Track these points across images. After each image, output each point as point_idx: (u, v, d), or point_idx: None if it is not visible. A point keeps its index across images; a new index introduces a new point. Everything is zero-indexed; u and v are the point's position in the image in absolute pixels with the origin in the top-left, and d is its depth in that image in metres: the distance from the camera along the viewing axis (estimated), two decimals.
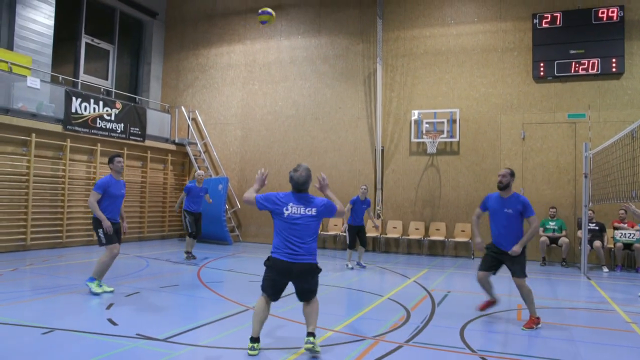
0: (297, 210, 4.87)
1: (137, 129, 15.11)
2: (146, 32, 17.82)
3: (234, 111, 16.87)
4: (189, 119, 16.91)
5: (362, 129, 15.21)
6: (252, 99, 16.66)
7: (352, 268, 11.11)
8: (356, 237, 11.37)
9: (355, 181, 14.99)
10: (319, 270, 5.02)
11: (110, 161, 7.68)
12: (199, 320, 6.19)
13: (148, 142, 15.53)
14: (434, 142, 14.02)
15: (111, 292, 7.54)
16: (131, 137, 14.85)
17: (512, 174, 6.62)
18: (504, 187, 6.56)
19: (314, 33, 16.03)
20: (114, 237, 7.42)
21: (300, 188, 4.97)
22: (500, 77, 13.99)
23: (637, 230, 11.74)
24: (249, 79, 16.76)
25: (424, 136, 14.18)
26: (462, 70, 14.34)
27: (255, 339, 4.85)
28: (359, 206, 11.21)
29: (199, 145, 16.73)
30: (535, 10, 13.73)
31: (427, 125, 14.22)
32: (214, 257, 12.32)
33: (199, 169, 16.36)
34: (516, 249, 6.34)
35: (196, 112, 17.13)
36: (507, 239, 6.44)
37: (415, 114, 14.38)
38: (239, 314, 6.60)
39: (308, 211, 4.87)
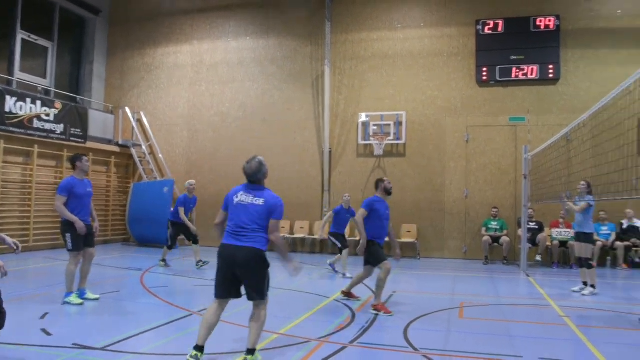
0: (246, 198, 4.76)
1: (78, 130, 14.59)
2: (88, 29, 17.23)
3: (181, 112, 16.55)
4: (133, 120, 16.46)
5: (310, 131, 15.24)
6: (199, 100, 16.39)
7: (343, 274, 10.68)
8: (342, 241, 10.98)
9: (302, 183, 15.00)
10: (265, 260, 4.70)
11: (77, 160, 7.25)
12: (140, 327, 5.99)
13: (90, 144, 15.02)
14: (380, 145, 14.21)
15: (96, 299, 7.32)
16: (72, 139, 14.31)
17: None
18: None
19: (262, 34, 15.94)
20: (81, 244, 7.10)
21: (251, 179, 4.83)
22: (445, 80, 14.33)
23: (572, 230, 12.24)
24: (196, 79, 16.49)
25: (371, 138, 14.36)
26: (408, 74, 14.60)
27: (199, 347, 4.59)
28: (344, 215, 10.81)
29: (144, 147, 16.30)
30: (478, 17, 14.14)
31: (375, 128, 14.40)
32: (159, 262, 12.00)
33: (145, 172, 15.98)
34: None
35: (141, 113, 16.69)
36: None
37: (362, 117, 14.54)
38: (183, 319, 6.46)
39: (256, 200, 4.73)
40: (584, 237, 8.95)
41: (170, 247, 11.37)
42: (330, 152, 14.86)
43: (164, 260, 11.32)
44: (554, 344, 5.80)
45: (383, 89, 14.73)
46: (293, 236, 14.84)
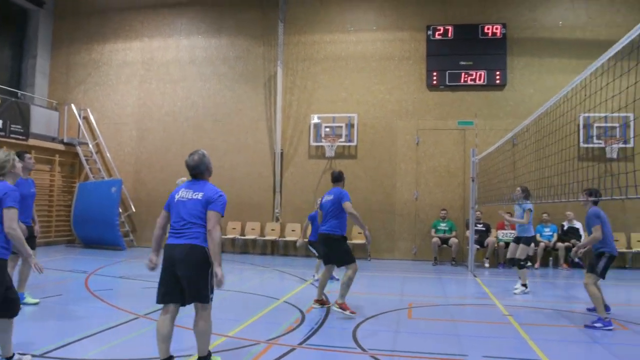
0: (186, 195, 4.51)
1: (19, 127, 13.99)
2: (31, 22, 16.54)
3: (130, 110, 16.12)
4: (80, 117, 15.92)
5: (262, 131, 15.15)
6: (150, 99, 16.02)
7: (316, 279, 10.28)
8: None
9: (254, 184, 14.90)
10: (206, 258, 4.31)
11: (20, 157, 6.82)
12: (83, 332, 5.78)
13: (32, 141, 14.42)
14: (332, 146, 14.29)
15: (35, 304, 7.05)
16: (11, 135, 13.70)
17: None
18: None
19: (214, 33, 15.74)
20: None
21: (192, 173, 4.63)
22: (396, 84, 14.55)
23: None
24: (146, 77, 16.11)
25: (323, 140, 14.41)
26: (360, 76, 14.75)
27: None
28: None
29: (90, 145, 15.79)
30: (429, 22, 14.43)
31: (327, 130, 14.46)
32: (106, 264, 11.66)
33: (91, 171, 15.51)
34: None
35: (88, 110, 16.15)
36: None
37: (314, 118, 14.57)
38: (129, 322, 6.30)
39: (195, 195, 4.46)
40: (525, 240, 9.34)
41: None
42: (282, 153, 14.82)
43: None
44: (498, 343, 5.98)
45: (335, 91, 14.82)
46: (244, 237, 14.71)
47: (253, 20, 15.49)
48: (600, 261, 7.05)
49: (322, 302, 7.46)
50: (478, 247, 12.76)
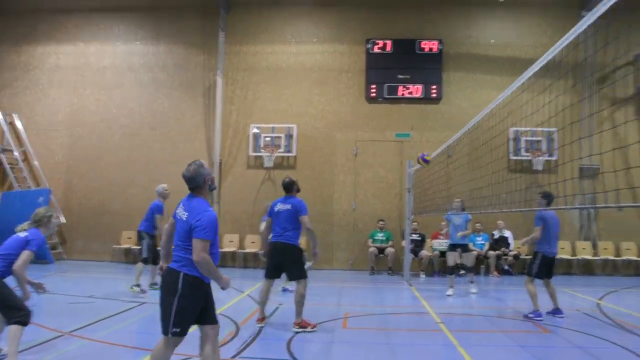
0: (180, 212, 4.13)
1: None
2: None
3: (62, 117, 15.44)
4: (5, 123, 15.09)
5: (201, 141, 14.92)
6: (83, 105, 15.42)
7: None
8: None
9: None
10: (175, 286, 3.89)
11: None
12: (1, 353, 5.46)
13: None
14: (271, 156, 14.26)
15: None
16: None
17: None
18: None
19: (152, 40, 15.39)
20: None
21: (189, 186, 4.15)
22: (335, 96, 14.72)
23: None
24: (80, 83, 15.49)
25: (262, 150, 14.35)
26: (300, 88, 14.83)
27: None
28: None
29: (16, 152, 14.99)
30: (368, 36, 14.71)
31: (267, 139, 14.41)
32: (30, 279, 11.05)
33: (17, 180, 14.75)
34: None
35: (14, 115, 15.33)
36: None
37: (254, 128, 14.49)
38: (53, 341, 5.99)
39: (183, 215, 4.07)
40: (465, 248, 10.21)
41: (154, 262, 9.47)
42: (220, 162, 14.64)
43: (155, 284, 9.50)
44: (428, 350, 6.11)
45: (275, 101, 14.82)
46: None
47: (193, 28, 15.27)
48: (534, 262, 7.92)
49: (264, 319, 7.14)
50: (414, 256, 13.03)
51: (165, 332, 3.91)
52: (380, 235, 13.73)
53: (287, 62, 14.98)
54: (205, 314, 4.06)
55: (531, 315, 7.77)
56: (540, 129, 13.28)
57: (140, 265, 9.55)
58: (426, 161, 10.35)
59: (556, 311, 8.02)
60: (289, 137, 14.40)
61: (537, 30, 14.53)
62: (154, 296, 8.80)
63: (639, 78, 14.21)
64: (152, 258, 9.56)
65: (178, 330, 3.90)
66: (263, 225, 8.41)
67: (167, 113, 15.10)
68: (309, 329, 6.69)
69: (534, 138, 13.86)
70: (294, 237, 6.94)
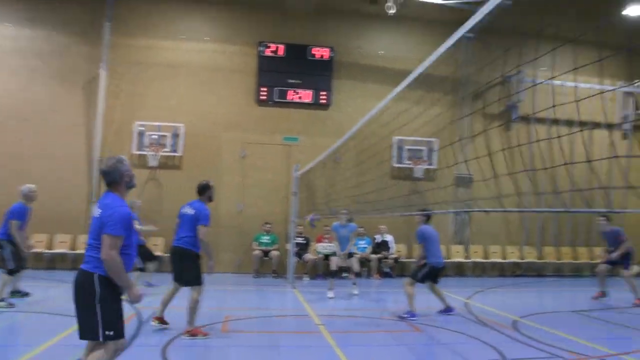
0: (96, 212, 3.85)
1: None
2: None
3: None
4: None
5: (79, 136, 13.97)
6: None
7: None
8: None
9: (67, 193, 13.57)
10: (92, 289, 3.64)
11: None
12: None
13: None
14: (155, 155, 13.72)
15: None
16: None
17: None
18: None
19: (28, 23, 14.14)
20: None
21: (106, 182, 3.94)
22: (225, 96, 14.51)
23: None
24: None
25: (146, 148, 13.76)
26: (190, 86, 14.43)
27: None
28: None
29: None
30: (261, 39, 14.67)
31: (155, 137, 13.84)
32: None
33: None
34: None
35: None
36: None
37: (139, 126, 13.86)
38: None
39: (97, 213, 3.81)
40: (349, 254, 10.63)
41: (14, 272, 8.41)
42: (100, 160, 13.81)
43: (18, 292, 8.77)
44: (306, 352, 6.18)
45: (163, 99, 14.28)
46: (52, 251, 13.35)
47: (76, 14, 14.25)
48: (423, 270, 8.32)
49: (162, 320, 6.91)
50: (298, 259, 13.15)
51: (94, 337, 3.65)
52: (265, 238, 13.70)
53: (177, 59, 14.51)
54: None
55: (406, 316, 8.13)
56: (421, 138, 14.07)
57: (5, 277, 8.30)
58: (312, 225, 10.89)
59: (448, 309, 8.56)
60: (176, 136, 13.94)
61: (424, 46, 15.23)
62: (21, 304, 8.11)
63: (509, 97, 15.51)
64: (18, 266, 8.48)
65: (112, 333, 3.66)
66: None
67: (41, 104, 13.92)
68: (199, 337, 6.44)
69: (416, 147, 14.60)
70: (192, 242, 6.68)
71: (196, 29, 14.74)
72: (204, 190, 6.98)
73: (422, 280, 8.35)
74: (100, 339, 3.63)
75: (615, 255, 10.48)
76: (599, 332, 7.90)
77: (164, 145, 13.82)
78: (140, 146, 13.80)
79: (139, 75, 14.32)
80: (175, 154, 13.99)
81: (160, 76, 14.37)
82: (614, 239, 10.55)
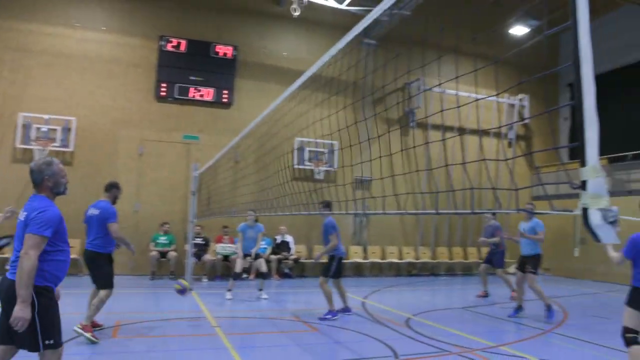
0: (21, 214, 3.55)
1: None
2: None
3: None
4: None
5: None
6: None
7: None
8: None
9: None
10: (37, 293, 3.43)
11: None
12: None
13: None
14: (43, 150, 12.77)
15: None
16: None
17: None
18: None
19: None
20: None
21: (33, 183, 3.66)
22: (122, 91, 13.84)
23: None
24: None
25: (33, 143, 12.78)
26: (83, 78, 13.60)
27: None
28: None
29: None
30: (162, 32, 14.17)
31: (43, 131, 12.88)
32: None
33: None
34: None
35: None
36: None
37: (23, 117, 12.83)
38: None
39: (22, 216, 3.51)
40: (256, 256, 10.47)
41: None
42: None
43: None
44: (200, 355, 6.03)
45: (52, 89, 13.33)
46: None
47: None
48: (332, 264, 8.28)
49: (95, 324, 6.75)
50: (196, 260, 12.85)
51: (35, 349, 3.45)
52: (163, 239, 13.25)
53: (70, 48, 13.62)
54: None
55: (329, 316, 8.15)
56: (322, 140, 14.28)
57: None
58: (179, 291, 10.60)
59: (346, 309, 8.64)
60: (67, 130, 13.06)
61: (327, 49, 15.52)
62: None
63: (408, 103, 16.20)
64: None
65: (52, 342, 3.48)
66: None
67: None
68: (88, 335, 6.18)
69: (317, 149, 14.80)
70: (102, 244, 6.61)
71: (92, 17, 13.92)
72: (110, 188, 6.94)
73: (335, 275, 8.36)
74: (41, 349, 3.46)
75: (482, 240, 11.48)
76: (482, 326, 8.46)
77: (53, 140, 12.90)
78: (26, 140, 12.78)
79: (24, 62, 13.24)
80: (66, 150, 13.08)
81: (49, 65, 13.40)
82: (491, 234, 11.34)
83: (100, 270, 6.64)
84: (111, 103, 13.71)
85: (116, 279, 11.96)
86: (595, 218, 1.79)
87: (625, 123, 16.66)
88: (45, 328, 3.46)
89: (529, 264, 8.69)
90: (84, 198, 13.08)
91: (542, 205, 13.27)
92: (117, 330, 7.08)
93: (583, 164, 1.84)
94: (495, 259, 11.23)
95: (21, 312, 3.30)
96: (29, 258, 3.35)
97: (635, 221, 4.54)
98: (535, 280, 8.61)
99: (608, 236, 1.81)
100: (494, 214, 11.54)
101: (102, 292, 6.52)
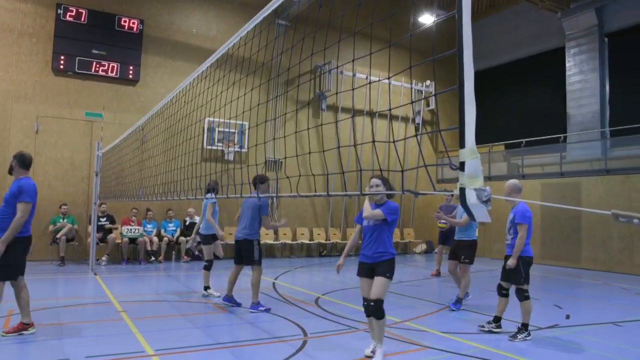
0: None
1: None
2: None
3: None
4: None
5: None
6: None
7: None
8: None
9: None
10: None
11: None
12: None
13: None
14: None
15: None
16: None
17: None
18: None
19: None
20: None
21: None
22: (14, 61, 12.78)
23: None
24: None
25: None
26: None
27: None
28: None
29: None
30: (60, 0, 13.19)
31: None
32: None
33: None
34: None
35: None
36: None
37: None
38: None
39: None
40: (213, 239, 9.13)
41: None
42: None
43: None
44: (106, 340, 5.80)
45: None
46: None
47: None
48: (257, 247, 7.54)
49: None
50: (98, 242, 12.29)
51: None
52: (62, 221, 12.51)
53: None
54: None
55: (262, 309, 7.50)
56: (233, 121, 14.05)
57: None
58: None
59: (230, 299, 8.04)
60: None
61: (237, 28, 15.22)
62: None
63: (318, 84, 16.30)
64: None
65: None
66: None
67: None
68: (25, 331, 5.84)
69: (228, 130, 14.55)
70: (4, 228, 5.64)
71: None
72: (11, 169, 6.06)
73: (260, 261, 7.60)
74: None
75: (437, 215, 9.67)
76: (392, 304, 8.75)
77: None
78: None
79: None
80: None
81: None
82: (450, 214, 11.12)
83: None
84: (1, 75, 12.62)
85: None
86: (471, 197, 1.88)
87: (520, 112, 17.88)
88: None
89: (464, 252, 8.19)
90: None
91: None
92: (9, 321, 6.62)
93: (462, 145, 1.93)
94: (449, 240, 10.41)
95: None
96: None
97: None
98: (468, 270, 8.22)
99: (481, 215, 1.91)
100: (452, 194, 11.31)
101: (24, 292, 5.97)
